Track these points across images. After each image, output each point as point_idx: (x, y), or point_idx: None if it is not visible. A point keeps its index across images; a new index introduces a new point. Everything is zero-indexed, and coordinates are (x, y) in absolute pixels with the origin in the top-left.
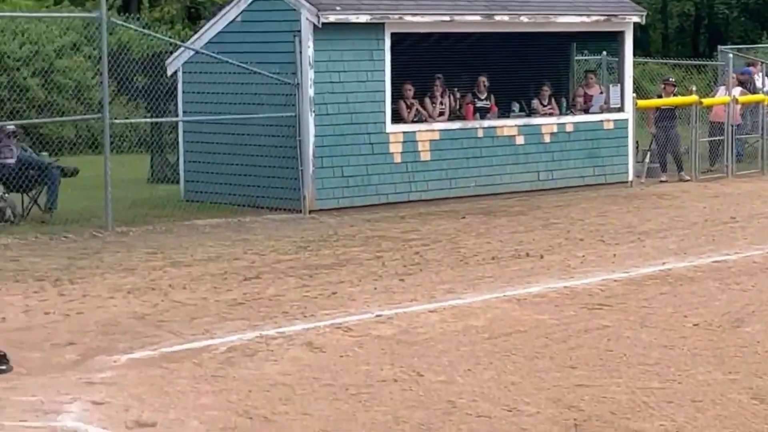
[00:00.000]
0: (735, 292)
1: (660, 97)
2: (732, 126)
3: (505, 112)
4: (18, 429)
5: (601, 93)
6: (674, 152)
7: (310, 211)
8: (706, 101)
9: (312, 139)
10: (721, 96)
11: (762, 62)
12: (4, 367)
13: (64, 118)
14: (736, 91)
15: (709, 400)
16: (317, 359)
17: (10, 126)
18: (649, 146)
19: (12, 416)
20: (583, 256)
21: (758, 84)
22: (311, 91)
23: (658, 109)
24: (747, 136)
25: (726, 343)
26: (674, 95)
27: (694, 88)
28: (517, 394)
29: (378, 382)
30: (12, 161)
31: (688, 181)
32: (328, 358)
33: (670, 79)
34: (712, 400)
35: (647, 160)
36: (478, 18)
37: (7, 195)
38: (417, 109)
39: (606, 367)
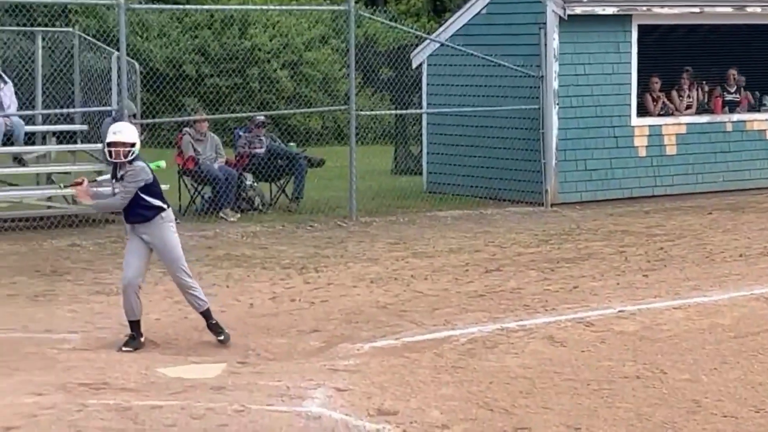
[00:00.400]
0: None
1: None
2: None
3: (756, 106)
4: (264, 413)
5: None
6: None
7: (552, 205)
8: None
9: (555, 131)
10: None
11: None
12: (222, 338)
13: (311, 110)
14: None
15: None
16: (558, 353)
17: (260, 117)
18: None
19: (259, 400)
20: None
21: None
22: (555, 84)
23: None
24: None
25: None
26: None
27: None
28: (765, 395)
29: (620, 379)
30: (262, 151)
31: None
32: (569, 352)
33: None
34: None
35: None
36: (729, 9)
37: (256, 184)
38: (663, 102)
39: None
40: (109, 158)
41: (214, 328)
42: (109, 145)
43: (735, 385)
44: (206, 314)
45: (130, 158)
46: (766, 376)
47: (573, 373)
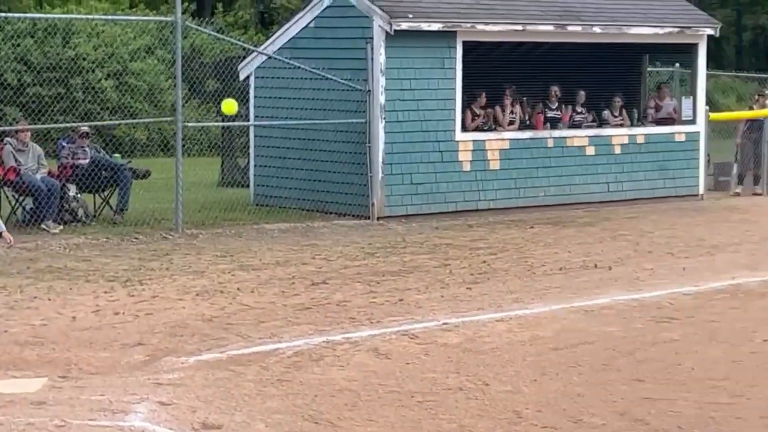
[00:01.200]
0: None
1: (751, 108)
2: None
3: (575, 123)
4: (86, 428)
5: (672, 105)
6: (758, 165)
7: (379, 218)
8: None
9: (381, 145)
10: None
11: None
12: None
13: (136, 120)
14: None
15: None
16: (383, 366)
17: (84, 127)
18: (735, 157)
19: (81, 415)
20: (652, 268)
21: None
22: (382, 98)
23: (748, 120)
24: None
25: None
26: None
27: None
28: (583, 406)
29: (444, 390)
30: (85, 162)
31: (759, 195)
32: (393, 364)
33: (766, 92)
34: None
35: (734, 171)
36: (550, 28)
37: (79, 195)
38: (485, 118)
39: (674, 380)
40: None
41: None
42: None
43: (555, 396)
44: None
45: None
46: (585, 387)
47: (397, 385)
